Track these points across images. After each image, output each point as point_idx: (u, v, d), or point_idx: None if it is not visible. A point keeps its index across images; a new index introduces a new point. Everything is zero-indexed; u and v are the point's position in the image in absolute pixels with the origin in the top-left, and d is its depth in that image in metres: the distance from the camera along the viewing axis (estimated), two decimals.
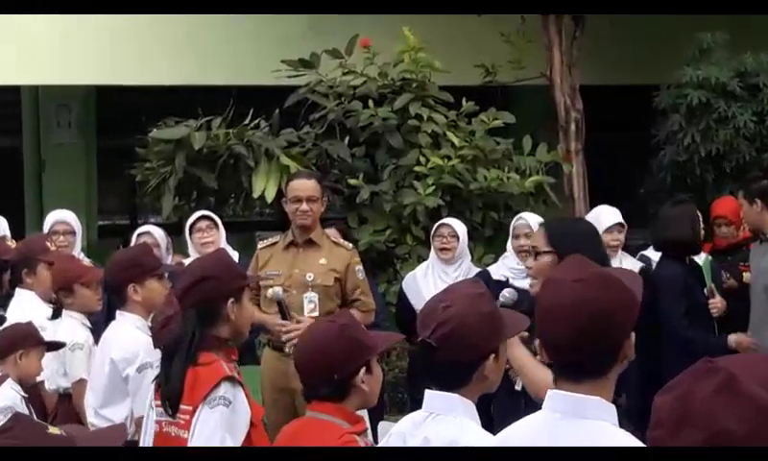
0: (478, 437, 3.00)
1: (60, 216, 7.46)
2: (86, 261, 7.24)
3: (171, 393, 4.29)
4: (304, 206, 6.36)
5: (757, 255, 6.67)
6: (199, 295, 4.28)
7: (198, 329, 4.26)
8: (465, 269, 6.95)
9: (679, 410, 1.94)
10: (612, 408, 2.61)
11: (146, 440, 4.88)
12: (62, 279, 6.05)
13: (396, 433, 3.27)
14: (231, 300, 4.29)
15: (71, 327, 5.96)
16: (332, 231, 7.22)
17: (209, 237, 7.39)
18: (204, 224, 7.44)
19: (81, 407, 5.87)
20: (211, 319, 4.29)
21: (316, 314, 6.07)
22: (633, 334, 2.66)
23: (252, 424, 4.25)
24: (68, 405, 5.93)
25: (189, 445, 4.18)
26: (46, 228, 7.37)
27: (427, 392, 3.20)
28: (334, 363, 3.63)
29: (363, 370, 3.65)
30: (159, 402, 4.38)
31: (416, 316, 6.83)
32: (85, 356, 5.94)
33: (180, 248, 7.87)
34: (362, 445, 3.55)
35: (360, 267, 6.44)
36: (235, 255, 7.05)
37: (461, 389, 3.15)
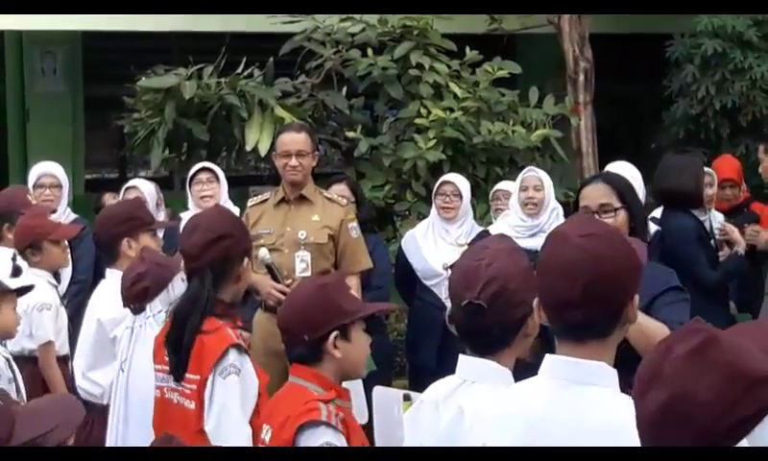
0: (503, 417, 2.87)
1: (45, 169, 7.38)
2: (72, 216, 7.20)
3: (179, 359, 4.25)
4: (294, 162, 6.28)
5: None
6: (217, 253, 4.22)
7: (212, 291, 4.23)
8: (467, 228, 6.88)
9: (652, 368, 1.98)
10: (614, 373, 2.61)
11: (117, 403, 4.87)
12: (31, 235, 5.96)
13: (429, 401, 3.22)
14: (246, 259, 4.28)
15: (37, 287, 5.89)
16: (342, 187, 7.18)
17: (209, 191, 7.30)
18: (204, 176, 7.34)
19: (47, 371, 5.83)
20: (223, 279, 4.25)
21: (308, 274, 6.01)
22: (636, 297, 2.64)
23: (258, 393, 4.24)
24: (33, 368, 5.88)
25: (206, 419, 4.16)
26: (31, 181, 7.29)
27: (462, 357, 3.16)
28: (304, 322, 3.63)
29: (334, 334, 3.61)
30: (162, 367, 4.36)
31: (414, 276, 6.89)
32: (53, 317, 5.91)
33: (168, 203, 7.80)
34: (323, 413, 3.52)
35: (354, 224, 6.36)
36: (236, 211, 6.99)
37: (502, 351, 3.11)
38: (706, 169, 7.11)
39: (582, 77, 9.44)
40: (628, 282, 2.63)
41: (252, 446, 4.02)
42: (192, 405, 4.21)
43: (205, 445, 4.04)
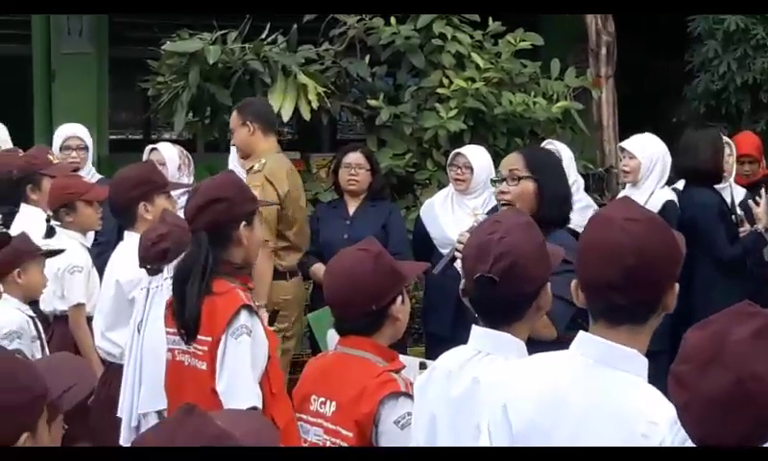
0: (521, 382, 2.88)
1: (72, 130, 7.41)
2: (98, 177, 7.21)
3: (187, 321, 4.26)
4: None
5: None
6: (210, 216, 4.25)
7: (210, 253, 4.24)
8: (484, 199, 6.85)
9: (711, 348, 1.98)
10: (645, 362, 2.61)
11: (130, 364, 4.89)
12: (64, 195, 6.01)
13: (441, 369, 3.24)
14: (244, 223, 4.27)
15: (70, 249, 5.93)
16: (357, 155, 7.21)
17: None
18: None
19: (77, 333, 5.87)
20: (223, 242, 4.26)
21: None
22: (677, 285, 2.65)
23: (268, 356, 4.25)
24: (65, 327, 5.93)
25: (218, 379, 4.17)
26: (58, 142, 7.33)
27: (475, 328, 3.17)
28: (372, 293, 3.62)
29: (400, 299, 3.65)
30: (173, 330, 4.37)
31: (432, 245, 6.89)
32: (84, 279, 5.94)
33: None
34: (401, 384, 3.54)
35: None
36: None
37: (515, 324, 3.13)
38: (726, 139, 7.09)
39: (604, 50, 9.39)
40: (669, 270, 2.63)
41: (261, 407, 4.04)
42: (204, 366, 4.23)
43: (218, 405, 4.06)
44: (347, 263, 3.71)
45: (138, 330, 4.86)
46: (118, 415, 4.98)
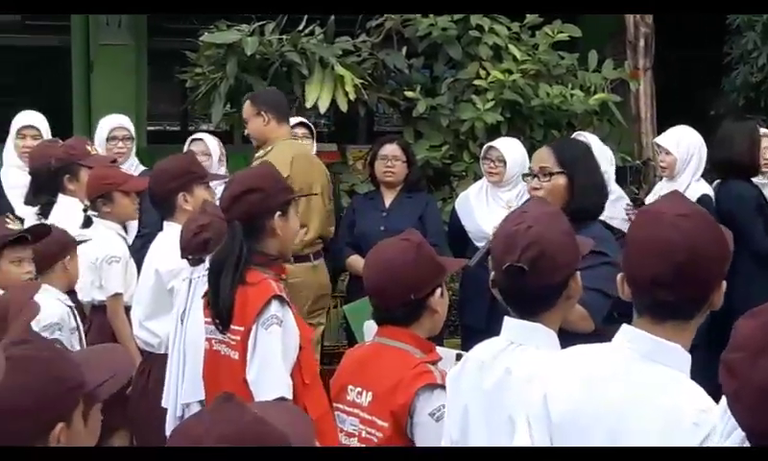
0: (562, 372, 2.88)
1: (119, 121, 7.44)
2: (141, 168, 7.24)
3: (221, 311, 4.30)
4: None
5: None
6: (245, 207, 4.28)
7: (244, 244, 4.26)
8: (518, 191, 6.82)
9: (763, 337, 1.99)
10: (688, 358, 2.61)
11: (174, 354, 4.92)
12: (102, 185, 6.04)
13: (474, 360, 3.25)
14: (278, 213, 4.29)
15: (108, 239, 5.97)
16: (393, 147, 7.25)
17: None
18: (300, 131, 7.46)
19: (115, 322, 5.91)
20: (257, 233, 4.30)
21: None
22: (724, 283, 2.64)
23: (300, 346, 4.26)
24: (103, 317, 5.97)
25: (248, 368, 4.21)
26: (103, 133, 7.32)
27: (507, 320, 3.18)
28: (412, 283, 3.64)
29: (439, 291, 3.67)
30: (210, 319, 4.41)
31: (466, 237, 6.89)
32: (122, 269, 5.97)
33: (230, 157, 7.85)
34: (437, 376, 3.56)
35: None
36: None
37: (545, 314, 3.13)
38: (763, 131, 7.04)
39: (642, 42, 9.35)
40: (718, 268, 2.63)
41: (290, 398, 4.05)
42: (236, 356, 4.27)
43: (249, 395, 4.08)
44: (388, 253, 3.73)
45: (181, 321, 4.88)
46: (163, 405, 5.00)
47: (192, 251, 4.86)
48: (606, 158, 6.60)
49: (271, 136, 6.82)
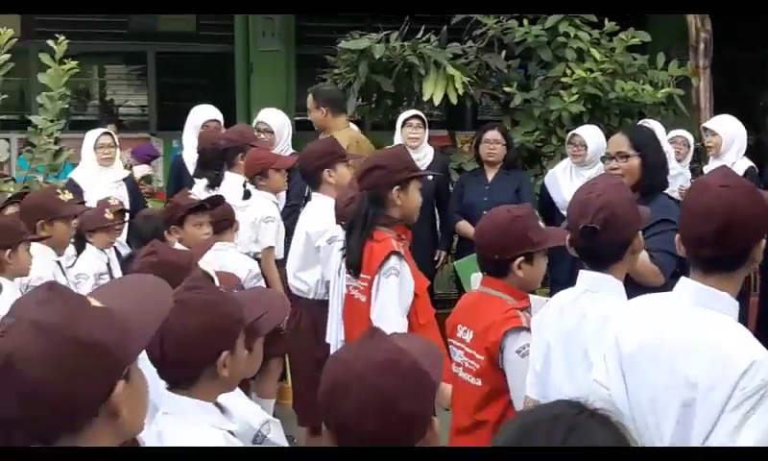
0: (627, 314, 2.83)
1: (260, 117, 7.32)
2: (291, 151, 7.26)
3: (352, 261, 4.42)
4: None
5: None
6: (370, 180, 4.34)
7: (370, 209, 4.33)
8: (597, 169, 6.81)
9: None
10: (736, 304, 2.59)
11: (334, 301, 4.97)
12: (258, 165, 6.10)
13: (555, 305, 3.26)
14: (397, 188, 4.33)
15: (264, 204, 6.05)
16: (494, 133, 7.29)
17: (416, 134, 7.43)
18: (415, 121, 7.48)
19: (267, 271, 5.94)
20: (382, 201, 4.34)
21: None
22: (764, 240, 2.62)
23: (415, 294, 4.33)
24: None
25: (372, 309, 4.26)
26: (252, 124, 7.38)
27: (582, 272, 3.18)
28: (496, 246, 3.63)
29: (521, 258, 3.60)
30: (347, 269, 4.53)
31: (555, 207, 6.90)
32: (275, 228, 6.02)
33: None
34: (523, 320, 3.53)
35: None
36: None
37: (614, 266, 3.12)
38: None
39: (702, 45, 9.21)
40: (757, 228, 2.60)
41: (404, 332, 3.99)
42: (364, 299, 4.35)
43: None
44: (492, 216, 3.73)
45: (339, 274, 4.87)
46: (327, 341, 4.97)
47: (344, 218, 4.96)
48: (665, 142, 6.57)
49: (329, 125, 6.91)
